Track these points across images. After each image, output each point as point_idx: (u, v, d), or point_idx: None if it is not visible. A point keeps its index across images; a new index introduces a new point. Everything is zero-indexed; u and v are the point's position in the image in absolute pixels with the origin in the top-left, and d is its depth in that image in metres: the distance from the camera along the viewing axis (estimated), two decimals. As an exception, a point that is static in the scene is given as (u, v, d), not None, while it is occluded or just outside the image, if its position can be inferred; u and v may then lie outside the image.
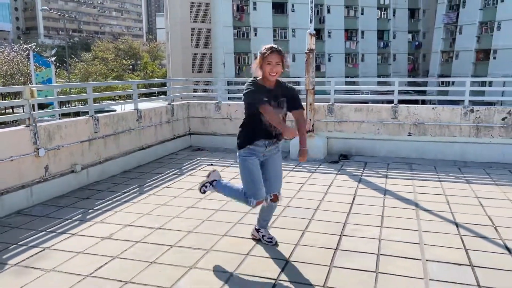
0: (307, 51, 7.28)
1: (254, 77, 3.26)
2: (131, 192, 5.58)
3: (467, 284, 3.11)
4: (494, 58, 32.88)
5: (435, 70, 38.00)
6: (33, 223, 4.49)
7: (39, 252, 3.76)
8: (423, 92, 28.64)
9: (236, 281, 3.18)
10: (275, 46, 3.20)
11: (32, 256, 3.68)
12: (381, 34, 41.57)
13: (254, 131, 3.29)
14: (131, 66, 61.68)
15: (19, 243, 3.96)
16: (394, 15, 41.36)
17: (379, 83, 30.79)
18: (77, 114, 23.46)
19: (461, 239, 3.95)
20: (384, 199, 5.17)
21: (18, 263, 3.55)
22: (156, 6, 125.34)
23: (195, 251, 3.74)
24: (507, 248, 3.74)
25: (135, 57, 63.01)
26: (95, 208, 4.94)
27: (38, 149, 5.10)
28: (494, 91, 21.72)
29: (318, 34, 38.38)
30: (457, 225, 4.31)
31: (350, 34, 40.72)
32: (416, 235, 4.03)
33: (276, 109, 3.20)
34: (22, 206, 4.93)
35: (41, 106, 24.98)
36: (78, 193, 5.57)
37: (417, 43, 42.83)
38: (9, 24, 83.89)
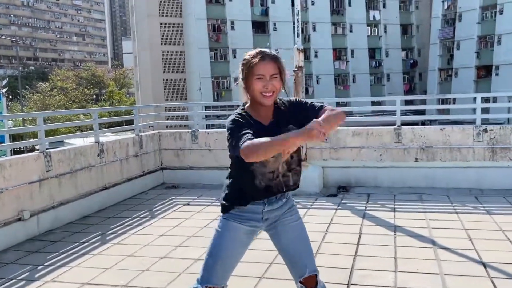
0: (296, 69, 7.19)
1: (243, 104, 2.37)
2: (90, 241, 5.21)
3: None
4: (497, 74, 33.88)
5: (434, 90, 38.88)
6: (-33, 287, 4.06)
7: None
8: (422, 113, 29.06)
9: None
10: (267, 50, 2.30)
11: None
12: (372, 52, 42.58)
13: (244, 189, 2.35)
14: (94, 96, 61.45)
15: None
16: (385, 32, 42.58)
17: (374, 104, 31.18)
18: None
19: (492, 282, 3.71)
20: (395, 237, 4.93)
21: None
22: (122, 28, 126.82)
23: (170, 314, 3.38)
24: (548, 291, 3.51)
25: (99, 85, 62.88)
26: (46, 263, 4.55)
27: (-25, 193, 4.72)
28: (499, 109, 22.17)
29: (304, 54, 39.03)
30: (484, 265, 4.07)
31: (338, 53, 41.57)
32: (439, 280, 3.77)
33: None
34: (-47, 266, 4.50)
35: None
36: (26, 245, 5.17)
37: (412, 61, 43.97)
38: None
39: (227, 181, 2.42)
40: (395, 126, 7.35)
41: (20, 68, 56.93)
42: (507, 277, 3.81)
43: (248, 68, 2.25)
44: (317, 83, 39.94)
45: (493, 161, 6.99)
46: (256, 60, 2.24)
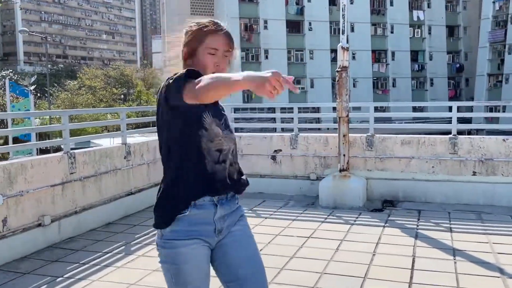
0: (339, 69, 6.85)
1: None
2: (114, 252, 4.99)
3: None
4: (552, 81, 32.43)
5: (482, 96, 37.58)
6: (-20, 298, 3.90)
7: None
8: (469, 121, 27.99)
9: None
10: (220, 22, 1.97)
11: None
12: (415, 55, 41.60)
13: (187, 179, 1.88)
14: (122, 96, 62.47)
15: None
16: (429, 33, 41.52)
17: (415, 110, 30.38)
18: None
19: None
20: (455, 263, 4.50)
21: None
22: (152, 27, 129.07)
23: None
24: None
25: (127, 85, 63.90)
26: (66, 275, 4.35)
27: (-6, 196, 4.59)
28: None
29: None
30: None
31: (378, 55, 40.82)
32: (515, 319, 3.34)
33: (225, 132, 1.96)
34: (-31, 273, 4.36)
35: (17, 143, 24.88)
36: (45, 253, 5.01)
37: (458, 65, 42.70)
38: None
39: (162, 184, 1.94)
40: (450, 135, 6.88)
41: (49, 65, 58.57)
42: None
43: (199, 37, 1.91)
44: (354, 86, 39.26)
45: None
46: (212, 28, 1.91)
